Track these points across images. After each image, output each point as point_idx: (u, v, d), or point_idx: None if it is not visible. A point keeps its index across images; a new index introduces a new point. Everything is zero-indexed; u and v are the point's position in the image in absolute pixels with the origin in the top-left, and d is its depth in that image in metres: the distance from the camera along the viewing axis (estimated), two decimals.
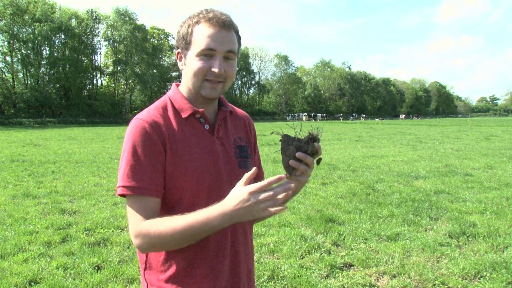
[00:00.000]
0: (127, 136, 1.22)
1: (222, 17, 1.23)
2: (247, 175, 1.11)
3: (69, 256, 4.29)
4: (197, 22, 1.24)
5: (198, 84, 1.26)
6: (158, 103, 1.32)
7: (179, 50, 1.31)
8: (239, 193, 1.07)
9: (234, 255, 1.32)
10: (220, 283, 1.28)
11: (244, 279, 1.36)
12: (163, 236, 1.13)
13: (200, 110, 1.29)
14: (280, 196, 1.06)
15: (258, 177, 1.47)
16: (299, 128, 1.24)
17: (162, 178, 1.21)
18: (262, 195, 1.05)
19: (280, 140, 1.20)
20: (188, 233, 1.11)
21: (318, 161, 1.23)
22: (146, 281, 1.29)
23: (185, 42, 1.26)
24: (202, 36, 1.22)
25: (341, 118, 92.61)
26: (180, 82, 1.39)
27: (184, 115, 1.28)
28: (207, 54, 1.22)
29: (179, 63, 1.32)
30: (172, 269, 1.25)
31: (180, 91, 1.34)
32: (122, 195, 1.21)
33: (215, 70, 1.22)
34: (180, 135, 1.26)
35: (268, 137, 20.60)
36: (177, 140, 1.24)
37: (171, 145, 1.23)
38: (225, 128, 1.38)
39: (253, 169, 1.12)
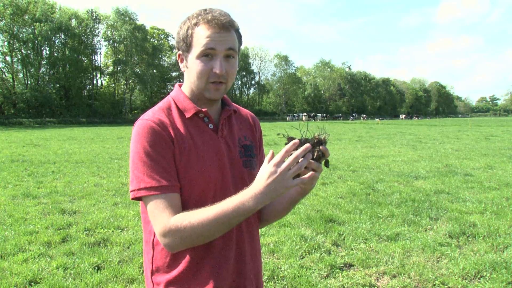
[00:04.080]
0: (135, 137, 1.22)
1: (221, 18, 1.22)
2: (268, 156, 1.14)
3: (69, 256, 4.29)
4: (196, 24, 1.24)
5: (202, 86, 1.26)
6: (162, 104, 1.32)
7: (180, 52, 1.31)
8: (265, 169, 1.10)
9: (239, 254, 1.32)
10: (225, 282, 1.27)
11: (251, 279, 1.35)
12: (196, 227, 1.12)
13: (203, 109, 1.29)
14: (302, 159, 1.09)
15: None
16: (305, 128, 1.22)
17: (176, 173, 1.22)
18: (286, 162, 1.08)
19: (286, 143, 1.19)
20: (222, 220, 1.11)
21: (326, 163, 1.22)
22: (153, 283, 1.30)
23: (186, 45, 1.26)
24: (201, 38, 1.22)
25: (340, 118, 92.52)
26: (182, 82, 1.39)
27: (188, 115, 1.29)
28: (207, 55, 1.22)
29: (181, 65, 1.32)
30: (178, 270, 1.25)
31: (183, 91, 1.34)
32: (138, 198, 1.20)
33: (217, 71, 1.22)
34: (186, 134, 1.26)
35: (268, 137, 20.60)
36: (183, 139, 1.25)
37: (178, 144, 1.23)
38: (230, 127, 1.38)
39: (271, 151, 1.15)
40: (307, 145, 1.10)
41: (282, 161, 1.09)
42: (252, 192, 1.10)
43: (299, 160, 1.09)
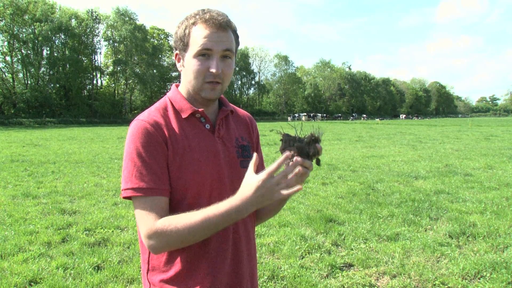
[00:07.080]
0: (129, 137, 1.22)
1: (219, 18, 1.23)
2: (253, 162, 1.13)
3: (69, 256, 4.29)
4: (194, 24, 1.24)
5: (198, 86, 1.27)
6: (158, 104, 1.33)
7: (177, 52, 1.31)
8: (254, 180, 1.09)
9: (236, 254, 1.32)
10: (221, 282, 1.28)
11: (247, 278, 1.35)
12: (181, 231, 1.13)
13: (200, 109, 1.29)
14: (291, 175, 1.09)
15: None
16: (299, 127, 1.23)
17: (168, 176, 1.22)
18: (275, 178, 1.08)
19: (281, 140, 1.19)
20: (208, 226, 1.12)
21: (318, 162, 1.23)
22: (149, 282, 1.30)
23: (183, 44, 1.27)
24: (198, 37, 1.22)
25: (340, 118, 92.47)
26: (179, 82, 1.39)
27: (184, 115, 1.29)
28: (204, 54, 1.23)
29: (178, 64, 1.33)
30: (174, 269, 1.25)
31: (179, 91, 1.34)
32: (128, 197, 1.21)
33: (213, 70, 1.22)
34: (181, 135, 1.26)
35: (268, 137, 20.59)
36: (178, 140, 1.25)
37: (172, 145, 1.23)
38: (227, 127, 1.38)
39: (255, 155, 1.14)
40: (298, 159, 1.10)
41: (271, 175, 1.07)
42: (239, 200, 1.10)
43: (289, 176, 1.09)
